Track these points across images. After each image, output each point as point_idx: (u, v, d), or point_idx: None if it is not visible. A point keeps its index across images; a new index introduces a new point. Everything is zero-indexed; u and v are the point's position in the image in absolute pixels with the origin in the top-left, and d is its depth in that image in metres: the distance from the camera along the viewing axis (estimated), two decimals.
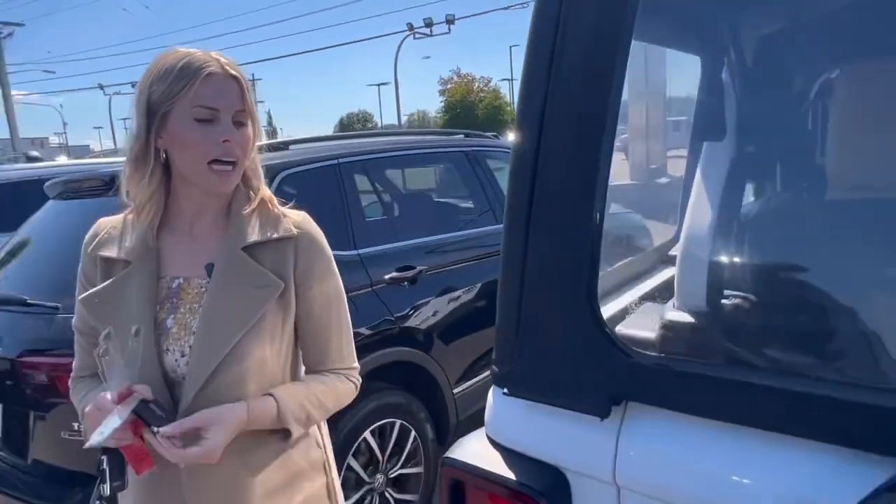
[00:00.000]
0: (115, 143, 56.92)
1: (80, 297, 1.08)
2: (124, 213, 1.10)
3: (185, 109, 0.97)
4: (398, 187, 3.17)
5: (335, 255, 2.50)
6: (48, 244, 2.37)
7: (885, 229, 0.73)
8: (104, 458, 0.97)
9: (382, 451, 2.27)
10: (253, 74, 61.68)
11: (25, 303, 2.04)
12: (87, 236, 1.12)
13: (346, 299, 1.17)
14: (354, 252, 2.29)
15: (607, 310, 0.71)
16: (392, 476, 2.31)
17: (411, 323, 2.36)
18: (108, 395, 0.93)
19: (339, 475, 2.07)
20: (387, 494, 2.30)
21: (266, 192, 1.10)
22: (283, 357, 1.08)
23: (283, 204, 1.13)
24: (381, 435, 2.27)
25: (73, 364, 1.15)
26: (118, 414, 0.90)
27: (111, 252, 1.07)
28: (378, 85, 50.56)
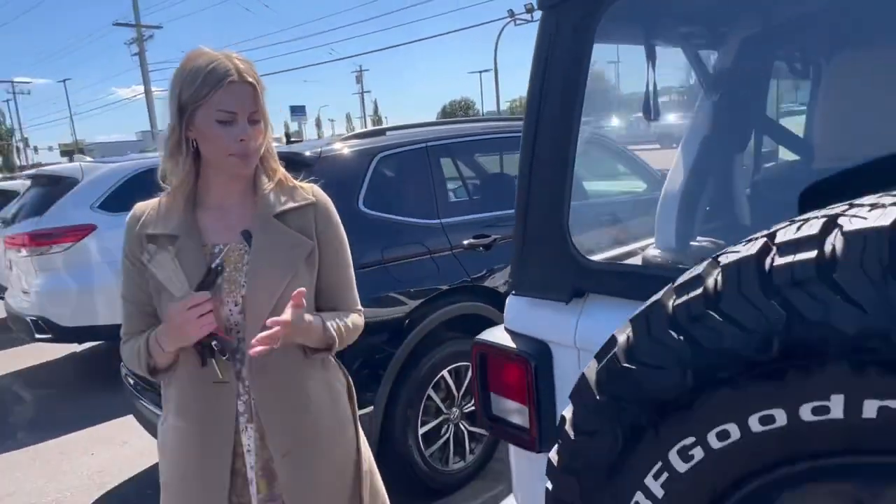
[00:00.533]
0: None
1: (151, 267, 1.20)
2: (158, 198, 1.25)
3: (210, 111, 1.14)
4: (480, 166, 3.58)
5: (422, 224, 2.98)
6: None
7: (782, 185, 1.03)
8: (213, 339, 1.16)
9: (458, 389, 2.70)
10: (360, 66, 64.20)
11: None
12: (128, 219, 1.25)
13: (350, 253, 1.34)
14: (437, 221, 2.72)
15: (576, 235, 1.07)
16: (466, 411, 2.74)
17: (485, 283, 2.76)
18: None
19: (420, 405, 2.53)
20: (461, 426, 2.73)
21: (282, 170, 1.27)
22: (311, 304, 1.23)
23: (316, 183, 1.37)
24: (457, 376, 2.69)
25: (122, 330, 1.29)
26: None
27: (155, 230, 1.21)
28: (479, 72, 50.81)
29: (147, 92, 33.32)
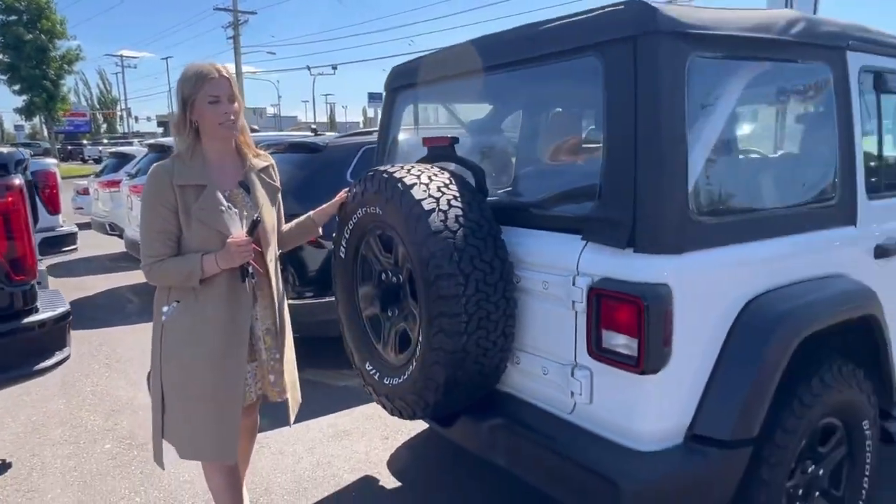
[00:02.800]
0: (314, 117, 64.73)
1: (194, 210, 1.77)
2: (169, 161, 1.81)
3: (204, 97, 1.76)
4: None
5: None
6: None
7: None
8: (249, 266, 1.82)
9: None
10: (412, 41, 65.48)
11: None
12: (160, 175, 1.77)
13: None
14: None
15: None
16: None
17: None
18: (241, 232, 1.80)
19: None
20: None
21: (252, 143, 1.93)
22: (281, 223, 2.02)
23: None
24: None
25: (152, 251, 1.79)
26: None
27: (186, 182, 1.77)
28: None
29: (238, 74, 36.47)
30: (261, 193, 1.92)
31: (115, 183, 7.78)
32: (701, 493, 1.55)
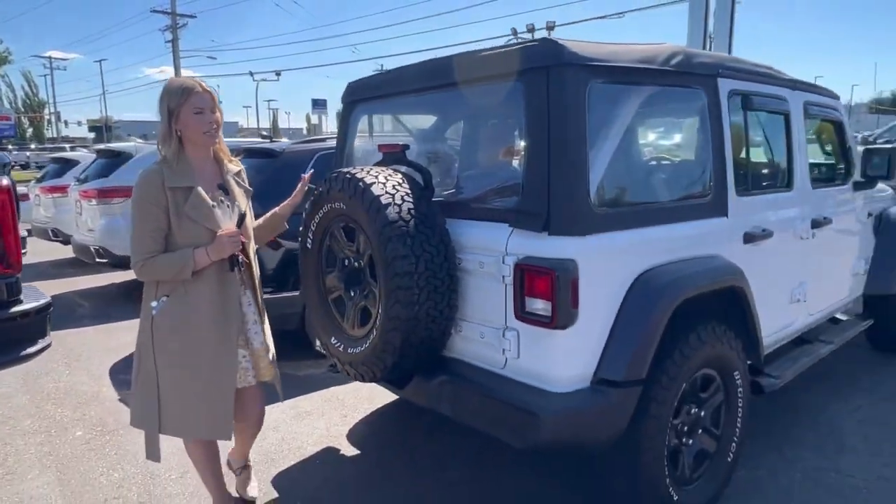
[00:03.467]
0: (258, 123, 63.76)
1: (186, 209, 1.98)
2: (157, 166, 2.01)
3: (189, 108, 1.99)
4: None
5: None
6: None
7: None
8: (238, 256, 2.08)
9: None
10: (381, 65, 66.26)
11: None
12: (152, 178, 1.98)
13: None
14: None
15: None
16: None
17: None
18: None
19: None
20: None
21: (228, 152, 2.18)
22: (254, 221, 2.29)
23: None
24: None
25: (140, 252, 1.98)
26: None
27: (176, 184, 1.98)
28: None
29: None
30: (237, 192, 2.18)
31: (60, 188, 7.75)
32: (602, 423, 1.98)
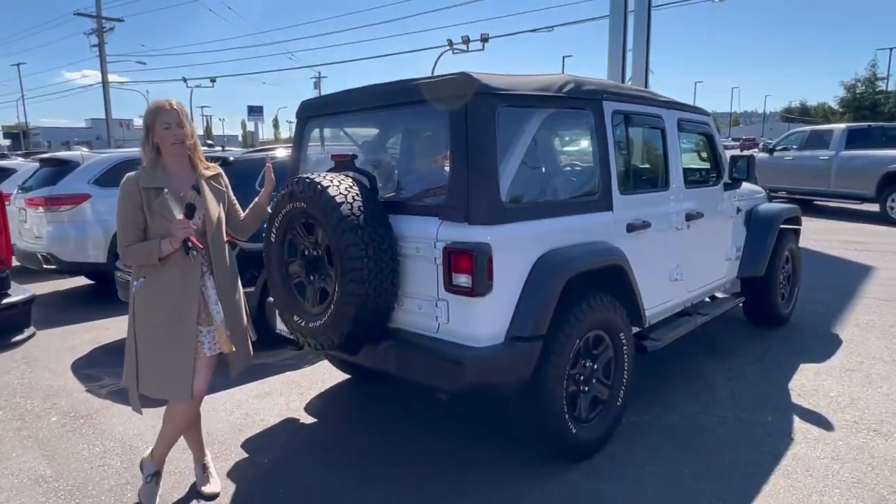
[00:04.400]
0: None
1: (154, 206, 2.37)
2: (138, 171, 2.41)
3: (160, 124, 2.41)
4: None
5: None
6: None
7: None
8: (189, 241, 2.39)
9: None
10: (319, 72, 65.97)
11: None
12: (130, 181, 2.38)
13: None
14: None
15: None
16: None
17: None
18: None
19: None
20: None
21: (203, 158, 2.56)
22: (223, 221, 2.56)
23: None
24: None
25: (123, 240, 2.39)
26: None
27: (149, 185, 2.38)
28: None
29: (105, 83, 34.32)
30: (208, 194, 2.55)
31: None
32: (512, 369, 2.55)
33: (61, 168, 6.68)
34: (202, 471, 2.80)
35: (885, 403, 3.57)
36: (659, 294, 3.58)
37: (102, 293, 6.99)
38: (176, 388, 2.51)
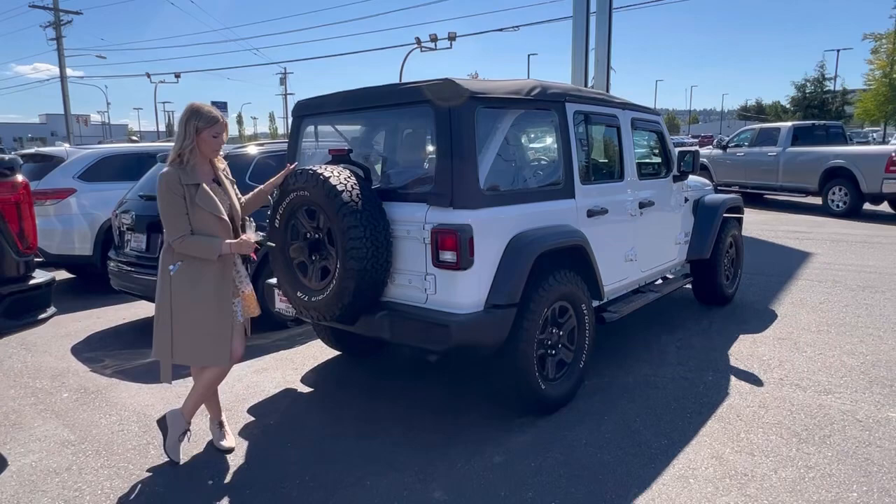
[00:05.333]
0: (157, 125, 60.87)
1: (197, 199, 2.67)
2: (175, 168, 2.67)
3: (210, 132, 2.73)
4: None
5: None
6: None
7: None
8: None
9: None
10: (285, 68, 65.43)
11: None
12: (172, 177, 2.64)
13: None
14: None
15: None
16: None
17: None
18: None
19: None
20: None
21: (222, 160, 2.96)
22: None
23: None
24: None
25: (182, 229, 2.65)
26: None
27: (189, 181, 2.66)
28: None
29: (63, 77, 33.52)
30: (227, 185, 2.90)
31: None
32: (490, 331, 2.99)
33: (46, 163, 6.84)
34: (219, 428, 3.16)
35: (807, 364, 4.14)
36: (616, 272, 4.07)
37: (84, 286, 7.19)
38: (217, 355, 2.87)
